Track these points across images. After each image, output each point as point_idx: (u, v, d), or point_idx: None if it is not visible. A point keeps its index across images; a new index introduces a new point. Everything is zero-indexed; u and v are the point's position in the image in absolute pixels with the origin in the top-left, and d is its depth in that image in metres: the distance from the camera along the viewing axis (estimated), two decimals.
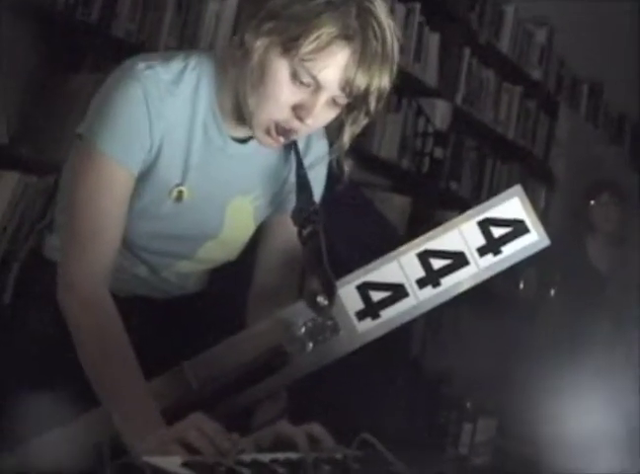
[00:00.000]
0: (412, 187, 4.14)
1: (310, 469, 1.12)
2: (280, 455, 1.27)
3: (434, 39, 4.24)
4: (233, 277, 1.88)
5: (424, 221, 3.92)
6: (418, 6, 4.02)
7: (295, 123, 1.54)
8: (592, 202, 4.18)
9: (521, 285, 4.54)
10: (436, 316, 4.13)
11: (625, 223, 4.13)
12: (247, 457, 1.21)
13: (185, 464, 1.14)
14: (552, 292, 4.16)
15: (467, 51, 4.45)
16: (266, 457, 1.24)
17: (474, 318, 4.04)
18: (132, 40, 2.77)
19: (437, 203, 4.23)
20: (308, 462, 1.13)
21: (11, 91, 2.52)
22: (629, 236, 4.10)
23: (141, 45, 2.75)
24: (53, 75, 2.68)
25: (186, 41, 2.89)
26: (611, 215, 4.14)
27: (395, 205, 3.94)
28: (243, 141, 1.68)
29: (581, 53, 5.33)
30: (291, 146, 1.74)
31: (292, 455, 1.29)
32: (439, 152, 4.19)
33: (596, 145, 5.46)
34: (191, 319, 1.86)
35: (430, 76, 4.18)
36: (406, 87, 3.93)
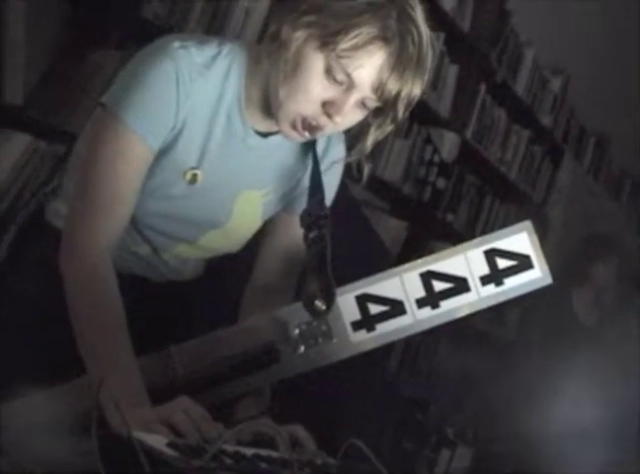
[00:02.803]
0: (410, 213, 4.14)
1: (296, 468, 1.10)
2: (262, 451, 1.26)
3: (452, 71, 4.25)
4: (230, 270, 1.88)
5: (417, 248, 3.92)
6: (442, 35, 4.02)
7: (323, 120, 1.53)
8: (593, 258, 4.15)
9: (503, 327, 4.55)
10: (415, 344, 4.14)
11: (619, 282, 4.13)
12: (230, 448, 1.20)
13: (169, 444, 1.13)
14: (531, 342, 4.15)
15: (483, 88, 4.47)
16: (248, 451, 1.23)
17: (452, 350, 4.04)
18: (160, 24, 2.76)
19: (432, 233, 4.24)
20: (294, 462, 1.11)
21: (34, 57, 2.50)
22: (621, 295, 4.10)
23: (168, 30, 2.73)
24: (77, 47, 2.67)
25: (212, 32, 2.88)
26: (611, 274, 4.13)
27: (391, 228, 3.94)
28: (264, 135, 1.67)
29: (593, 107, 5.36)
30: (310, 148, 1.74)
31: (273, 453, 1.27)
32: (441, 183, 4.20)
33: (593, 199, 5.48)
34: (183, 305, 1.85)
35: (443, 107, 4.19)
36: (418, 114, 3.93)
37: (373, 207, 3.97)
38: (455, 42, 4.16)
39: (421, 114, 3.97)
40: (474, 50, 4.31)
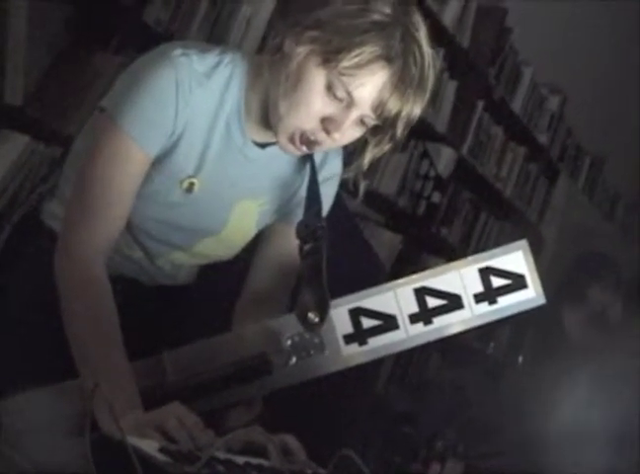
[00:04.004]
0: (404, 226, 4.14)
1: None
2: (253, 460, 1.26)
3: (451, 87, 4.26)
4: (223, 276, 1.88)
5: (411, 262, 3.92)
6: (442, 51, 4.03)
7: (321, 136, 1.53)
8: (588, 278, 4.12)
9: (492, 344, 4.55)
10: (405, 358, 4.13)
11: (616, 301, 4.11)
12: (221, 455, 1.20)
13: (161, 450, 1.13)
14: (520, 359, 4.15)
15: (481, 104, 4.48)
16: (239, 459, 1.23)
17: (442, 365, 4.04)
18: (161, 30, 2.76)
19: (425, 247, 4.24)
20: (285, 471, 1.11)
21: (35, 58, 2.51)
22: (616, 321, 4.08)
23: (169, 37, 2.74)
24: (78, 49, 2.67)
25: (213, 41, 2.88)
26: (607, 294, 4.11)
27: (385, 241, 3.94)
28: (262, 146, 1.68)
29: (589, 127, 5.38)
30: (307, 160, 1.74)
31: (264, 462, 1.28)
32: (436, 197, 4.20)
33: (588, 218, 5.49)
34: (174, 310, 1.85)
35: (440, 122, 4.20)
36: (416, 128, 3.92)
37: (368, 220, 3.98)
38: (454, 58, 4.17)
39: (418, 128, 3.95)
40: (473, 67, 4.32)
